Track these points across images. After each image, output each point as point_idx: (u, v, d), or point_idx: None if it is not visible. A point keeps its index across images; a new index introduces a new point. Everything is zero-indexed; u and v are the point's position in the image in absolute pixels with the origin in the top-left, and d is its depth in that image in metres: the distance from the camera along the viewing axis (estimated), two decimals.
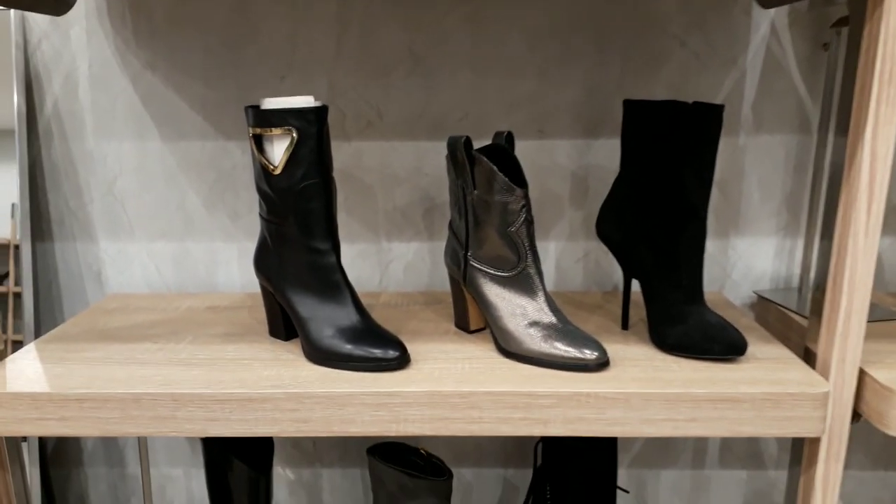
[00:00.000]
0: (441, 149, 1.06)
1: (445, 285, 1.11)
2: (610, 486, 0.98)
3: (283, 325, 0.88)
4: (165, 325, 0.95)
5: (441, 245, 1.11)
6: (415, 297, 1.07)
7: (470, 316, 0.90)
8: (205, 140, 1.07)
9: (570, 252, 1.10)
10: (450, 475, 0.92)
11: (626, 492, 1.01)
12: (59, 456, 1.23)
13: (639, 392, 0.74)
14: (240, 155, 1.08)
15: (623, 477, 1.21)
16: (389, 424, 0.75)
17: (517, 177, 0.82)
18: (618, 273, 1.11)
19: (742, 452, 1.19)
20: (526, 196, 0.81)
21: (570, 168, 1.06)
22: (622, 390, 0.74)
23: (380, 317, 0.97)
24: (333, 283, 0.83)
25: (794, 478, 0.85)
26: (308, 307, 0.83)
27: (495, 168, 0.80)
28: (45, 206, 1.11)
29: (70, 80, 1.06)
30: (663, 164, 0.80)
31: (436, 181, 1.08)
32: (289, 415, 0.75)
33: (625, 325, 0.91)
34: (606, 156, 1.06)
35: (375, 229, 1.10)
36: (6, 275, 1.12)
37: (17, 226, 1.08)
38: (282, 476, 1.22)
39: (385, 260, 1.12)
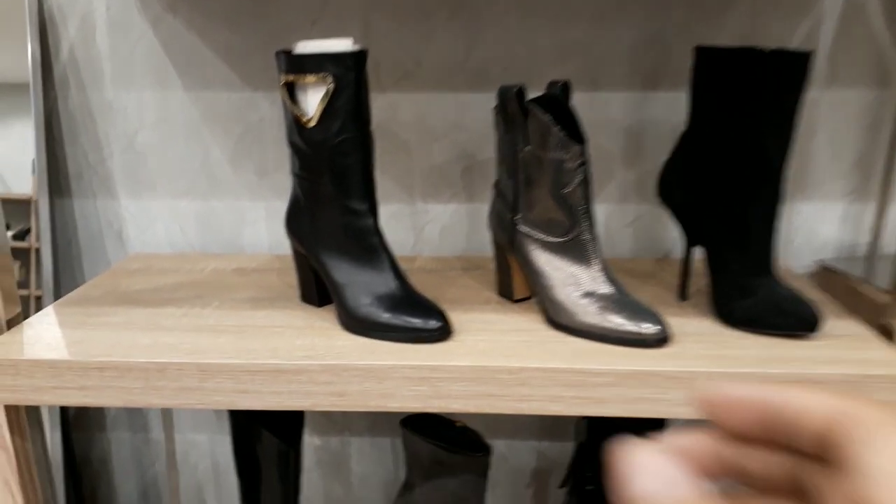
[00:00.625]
0: (483, 101, 0.98)
1: (484, 250, 1.05)
2: None
3: (317, 290, 0.82)
4: (190, 289, 0.90)
5: (480, 207, 1.04)
6: (452, 263, 1.00)
7: (515, 284, 0.84)
8: (230, 91, 1.00)
9: (619, 216, 1.02)
10: (487, 451, 0.87)
11: None
12: (81, 420, 1.19)
13: (706, 371, 0.67)
14: (267, 107, 1.01)
15: None
16: (430, 400, 0.70)
17: (574, 131, 0.74)
18: (670, 239, 1.03)
19: None
20: (584, 153, 0.74)
21: (623, 123, 0.98)
22: (687, 369, 0.67)
23: (416, 283, 0.91)
24: (371, 247, 0.77)
25: None
26: (344, 272, 0.77)
27: (551, 121, 0.73)
28: (62, 161, 1.05)
29: (86, 23, 0.99)
30: (739, 118, 0.72)
31: (476, 137, 1.00)
32: (324, 388, 0.70)
33: (683, 295, 0.84)
34: (664, 110, 0.97)
35: (410, 189, 1.04)
36: (28, 230, 1.08)
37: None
38: (308, 443, 1.18)
39: (420, 222, 1.05)
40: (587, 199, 0.75)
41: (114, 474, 1.23)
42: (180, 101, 1.01)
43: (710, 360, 0.69)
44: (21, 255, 1.08)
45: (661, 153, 0.99)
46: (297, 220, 0.81)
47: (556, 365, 0.68)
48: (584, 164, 0.74)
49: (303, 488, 1.21)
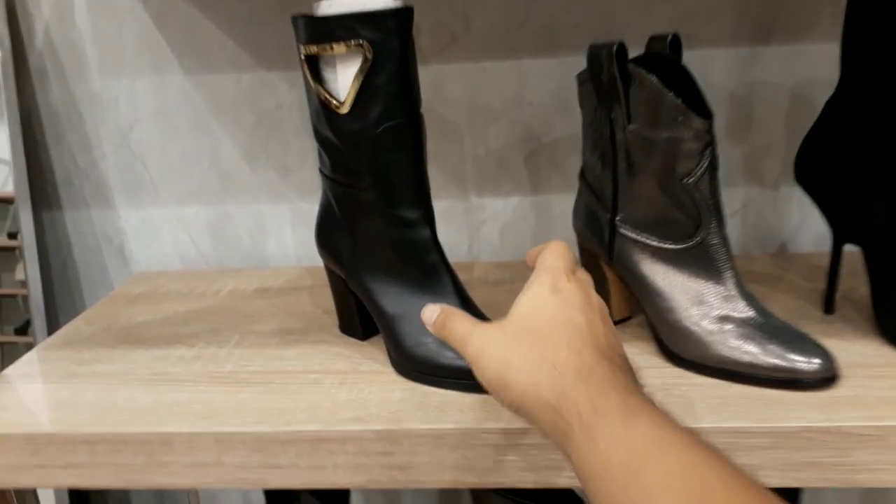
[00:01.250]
0: (550, 69, 0.80)
1: None
2: None
3: (359, 318, 0.65)
4: (203, 319, 0.73)
5: (549, 200, 0.85)
6: (517, 270, 0.82)
7: (612, 303, 0.66)
8: (240, 72, 0.83)
9: (723, 202, 0.83)
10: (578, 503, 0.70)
11: None
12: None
13: None
14: (286, 90, 0.83)
15: None
16: (523, 473, 0.52)
17: (695, 101, 0.55)
18: (787, 229, 0.84)
19: None
20: (711, 130, 0.55)
21: (727, 87, 0.79)
22: (876, 421, 0.49)
23: (476, 299, 0.73)
24: (429, 267, 0.59)
25: None
26: (395, 300, 0.59)
27: (665, 88, 0.54)
28: (47, 164, 0.88)
29: (62, 0, 0.82)
30: None
31: (542, 113, 0.82)
32: (379, 459, 0.53)
33: (828, 307, 0.66)
34: (779, 69, 0.78)
35: (462, 181, 0.85)
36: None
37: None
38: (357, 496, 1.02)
39: (475, 221, 0.87)
40: (715, 192, 0.57)
41: None
42: (181, 87, 0.84)
43: None
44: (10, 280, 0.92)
45: (774, 124, 0.80)
46: (331, 234, 0.63)
47: (690, 423, 0.50)
48: (710, 144, 0.56)
49: None
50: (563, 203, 0.85)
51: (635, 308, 0.66)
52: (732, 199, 0.83)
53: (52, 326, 0.90)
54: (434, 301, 0.50)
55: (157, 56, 0.83)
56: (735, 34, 0.77)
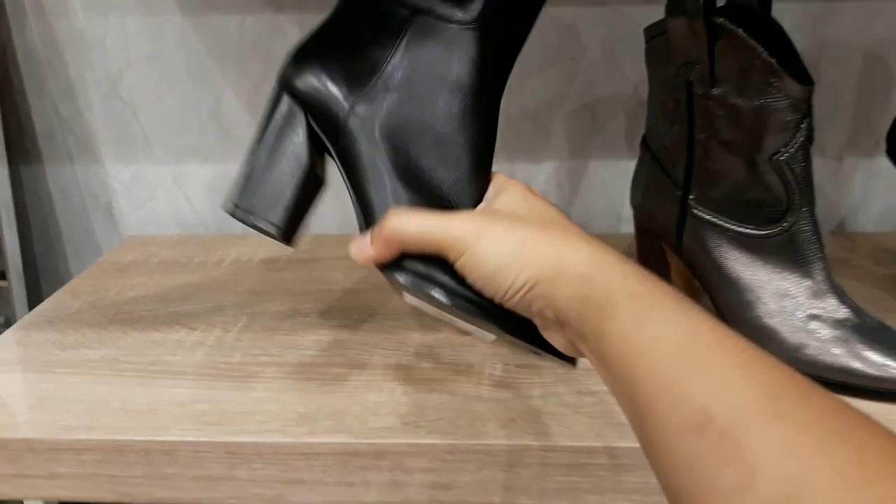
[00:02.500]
0: (597, 18, 0.70)
1: (603, 229, 0.78)
2: None
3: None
4: (205, 295, 0.65)
5: (587, 165, 0.77)
6: None
7: None
8: (245, 13, 0.73)
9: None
10: None
11: None
12: None
13: None
14: (296, 34, 0.73)
15: None
16: (586, 496, 0.45)
17: (790, 63, 0.47)
18: (848, 205, 0.77)
19: None
20: (810, 99, 0.47)
21: (797, 45, 0.70)
22: None
23: None
24: None
25: None
26: None
27: (759, 47, 0.46)
28: (25, 114, 0.78)
29: None
30: None
31: (585, 68, 0.73)
32: (419, 478, 0.45)
33: None
34: (853, 27, 0.69)
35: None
36: None
37: None
38: None
39: None
40: (808, 171, 0.49)
41: None
42: (178, 29, 0.74)
43: None
44: None
45: (844, 88, 0.72)
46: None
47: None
48: (808, 116, 0.47)
49: None
50: (603, 170, 0.76)
51: (699, 301, 0.59)
52: None
53: (33, 297, 0.81)
54: None
55: None
56: None
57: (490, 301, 0.36)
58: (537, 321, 0.37)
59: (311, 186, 0.44)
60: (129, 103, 0.78)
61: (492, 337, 0.46)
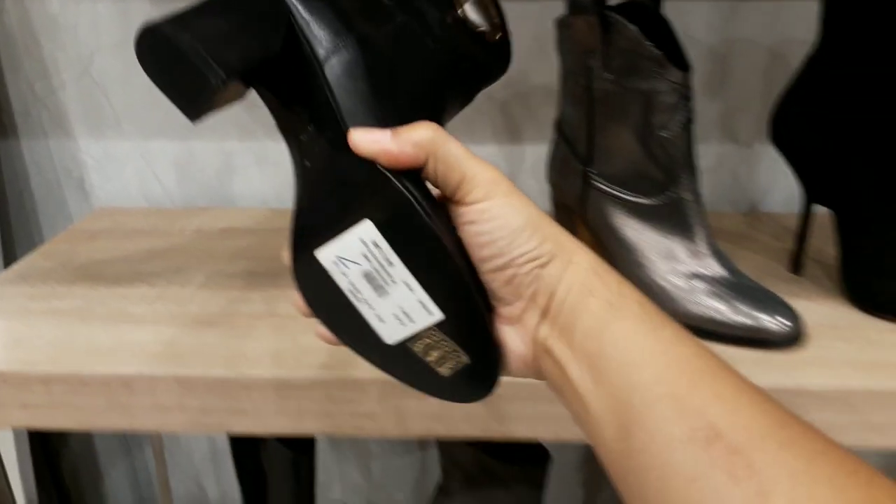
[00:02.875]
0: (525, 11, 0.77)
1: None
2: None
3: None
4: (167, 257, 0.71)
5: (525, 150, 0.84)
6: None
7: None
8: None
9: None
10: (545, 459, 0.71)
11: None
12: None
13: (863, 389, 0.50)
14: None
15: None
16: (490, 423, 0.53)
17: (674, 52, 0.54)
18: (760, 189, 0.84)
19: None
20: (688, 83, 0.54)
21: (706, 43, 0.78)
22: (839, 382, 0.50)
23: None
24: None
25: None
26: None
27: (643, 37, 0.53)
28: (3, 93, 0.84)
29: None
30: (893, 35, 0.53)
31: (519, 59, 0.80)
32: (345, 407, 0.52)
33: (796, 267, 0.66)
34: (758, 26, 0.77)
35: None
36: None
37: None
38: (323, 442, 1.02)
39: None
40: (690, 147, 0.56)
41: (98, 456, 1.07)
42: (145, 14, 0.80)
43: (865, 369, 0.51)
44: None
45: (752, 81, 0.79)
46: None
47: None
48: (687, 97, 0.55)
49: (318, 474, 1.05)
50: (536, 153, 0.84)
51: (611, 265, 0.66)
52: (706, 155, 0.83)
53: (9, 261, 0.87)
54: None
55: None
56: None
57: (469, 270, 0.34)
58: (507, 310, 0.35)
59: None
60: (100, 84, 0.84)
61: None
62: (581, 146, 0.61)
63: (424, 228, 0.34)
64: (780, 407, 0.29)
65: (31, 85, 0.84)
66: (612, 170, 0.59)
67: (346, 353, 0.53)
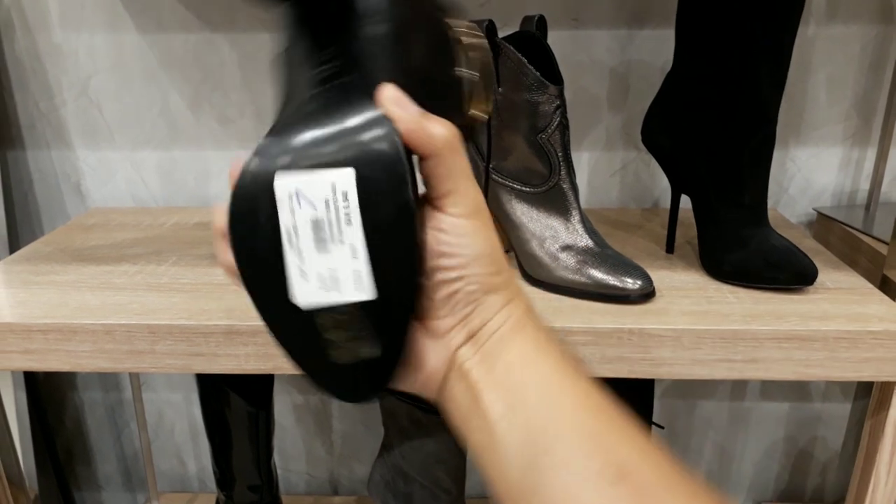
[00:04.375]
0: None
1: None
2: (644, 423, 0.89)
3: None
4: (148, 244, 0.85)
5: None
6: None
7: None
8: (188, 32, 0.93)
9: (605, 163, 0.97)
10: None
11: (662, 428, 0.92)
12: (50, 380, 1.15)
13: (691, 329, 0.63)
14: (227, 50, 0.94)
15: (654, 409, 1.12)
16: None
17: (550, 71, 0.68)
18: (660, 188, 0.98)
19: (785, 382, 1.09)
20: (561, 95, 0.68)
21: (608, 64, 0.92)
22: (671, 326, 0.63)
23: None
24: None
25: (856, 414, 0.75)
26: None
27: (524, 60, 0.67)
28: (12, 109, 0.98)
29: None
30: (729, 54, 0.66)
31: None
32: None
33: (670, 248, 0.79)
34: (652, 50, 0.91)
35: None
36: None
37: None
38: (288, 400, 1.15)
39: None
40: (565, 145, 0.70)
41: (89, 436, 1.19)
42: (135, 44, 0.94)
43: (697, 317, 0.64)
44: None
45: (648, 96, 0.93)
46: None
47: None
48: (561, 106, 0.68)
49: (284, 447, 1.18)
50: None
51: (510, 243, 0.79)
52: (613, 160, 0.96)
53: (13, 250, 1.00)
54: None
55: (115, 15, 0.93)
56: (615, 18, 0.90)
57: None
58: (435, 323, 0.35)
59: None
60: (95, 102, 0.98)
61: None
62: (482, 147, 0.74)
63: (405, 207, 0.32)
64: (665, 449, 0.31)
65: (37, 103, 0.98)
66: (507, 165, 0.72)
67: None
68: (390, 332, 0.34)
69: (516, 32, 0.71)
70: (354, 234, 0.32)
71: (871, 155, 0.94)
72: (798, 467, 1.14)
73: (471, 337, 0.34)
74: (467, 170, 0.35)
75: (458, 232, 0.34)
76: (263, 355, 0.65)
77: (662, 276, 0.72)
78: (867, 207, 0.93)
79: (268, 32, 0.92)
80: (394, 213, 0.32)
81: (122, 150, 1.00)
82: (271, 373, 0.67)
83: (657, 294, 0.68)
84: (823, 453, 1.12)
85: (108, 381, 1.15)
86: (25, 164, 1.01)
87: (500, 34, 0.69)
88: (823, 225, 0.93)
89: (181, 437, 1.18)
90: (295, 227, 0.33)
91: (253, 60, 0.94)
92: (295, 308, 0.34)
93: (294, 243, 0.33)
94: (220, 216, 0.34)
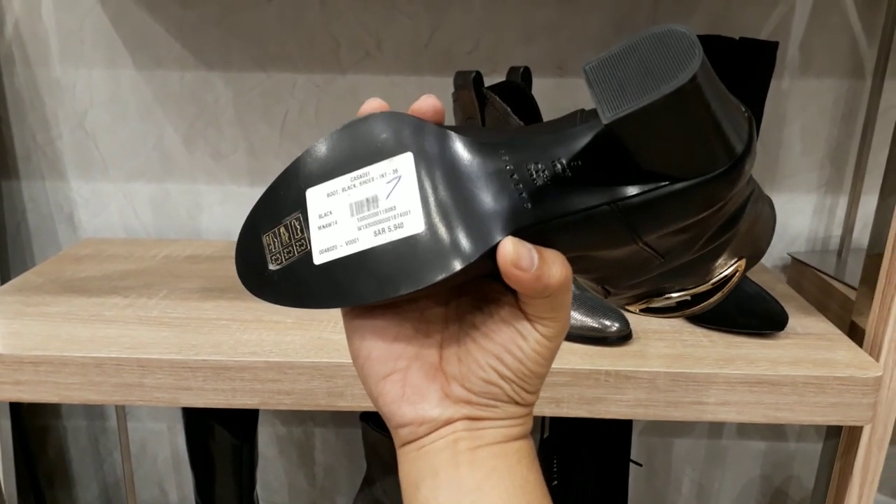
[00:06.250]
0: (449, 85, 0.95)
1: None
2: (622, 460, 0.91)
3: None
4: (139, 277, 0.86)
5: None
6: None
7: None
8: (183, 69, 0.96)
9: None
10: None
11: (640, 465, 0.94)
12: (34, 408, 1.16)
13: (665, 371, 0.65)
14: (222, 87, 0.97)
15: (633, 446, 1.14)
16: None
17: (534, 121, 0.71)
18: None
19: (761, 423, 1.12)
20: None
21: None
22: (647, 369, 0.65)
23: None
24: None
25: (827, 455, 0.77)
26: None
27: (509, 110, 0.70)
28: (9, 140, 1.00)
29: None
30: None
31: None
32: (270, 386, 0.67)
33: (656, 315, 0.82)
34: None
35: None
36: None
37: None
38: (271, 432, 1.15)
39: None
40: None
41: (72, 463, 1.19)
42: (132, 79, 0.97)
43: (671, 360, 0.67)
44: None
45: None
46: None
47: None
48: None
49: (267, 479, 1.18)
50: None
51: None
52: None
53: (5, 281, 1.02)
54: None
55: (113, 52, 0.96)
56: None
57: None
58: (455, 385, 0.36)
59: None
60: (91, 135, 1.00)
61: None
62: None
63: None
64: None
65: (34, 135, 1.00)
66: None
67: (272, 345, 0.68)
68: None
69: (502, 82, 0.74)
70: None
71: (843, 202, 0.98)
72: None
73: (470, 420, 0.36)
74: (568, 302, 0.34)
75: (535, 349, 0.34)
76: (251, 391, 0.67)
77: (640, 320, 0.75)
78: (839, 253, 0.96)
79: (262, 72, 0.95)
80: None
81: (115, 182, 1.02)
82: (258, 407, 0.68)
83: (634, 336, 0.70)
84: (798, 492, 1.14)
85: (93, 409, 1.16)
86: (20, 194, 1.03)
87: (487, 82, 0.72)
88: (797, 270, 0.96)
89: (164, 467, 1.18)
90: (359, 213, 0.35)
91: (246, 98, 0.97)
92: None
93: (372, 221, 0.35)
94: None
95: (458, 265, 0.32)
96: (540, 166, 0.32)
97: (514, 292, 0.34)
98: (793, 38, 0.91)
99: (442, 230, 0.33)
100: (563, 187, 0.31)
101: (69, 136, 1.00)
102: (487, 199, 0.32)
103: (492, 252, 0.32)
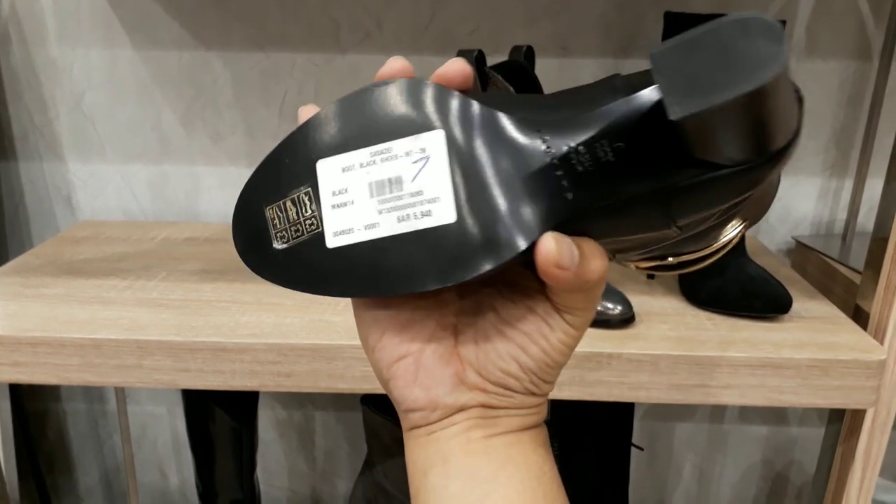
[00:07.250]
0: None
1: None
2: (624, 444, 0.90)
3: None
4: (137, 259, 0.86)
5: None
6: None
7: None
8: (181, 50, 0.95)
9: None
10: None
11: (641, 449, 0.93)
12: (34, 390, 1.15)
13: (668, 354, 0.65)
14: (221, 67, 0.96)
15: (635, 430, 1.14)
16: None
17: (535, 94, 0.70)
18: None
19: (763, 407, 1.11)
20: None
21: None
22: (649, 351, 0.65)
23: None
24: None
25: (829, 439, 0.77)
26: None
27: (512, 89, 0.68)
28: (6, 121, 0.99)
29: None
30: None
31: None
32: (269, 368, 0.66)
33: (650, 274, 0.81)
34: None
35: None
36: None
37: None
38: (271, 416, 1.15)
39: None
40: None
41: (72, 447, 1.19)
42: (129, 60, 0.96)
43: (674, 343, 0.66)
44: None
45: None
46: None
47: None
48: None
49: (267, 462, 1.18)
50: None
51: None
52: None
53: (3, 263, 1.01)
54: None
55: (110, 31, 0.94)
56: (602, 48, 0.92)
57: None
58: (470, 372, 0.34)
59: None
60: (88, 116, 0.99)
61: None
62: None
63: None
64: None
65: (31, 115, 0.99)
66: None
67: (272, 327, 0.67)
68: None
69: (505, 62, 0.73)
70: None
71: (848, 186, 0.97)
72: (775, 490, 1.16)
73: (485, 407, 0.34)
74: (598, 298, 0.34)
75: (562, 339, 0.33)
76: (250, 373, 0.66)
77: (642, 302, 0.74)
78: (844, 237, 0.95)
79: (261, 52, 0.94)
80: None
81: (113, 164, 1.01)
82: (257, 389, 0.68)
83: (637, 319, 0.70)
84: (799, 477, 1.14)
85: (92, 392, 1.15)
86: (17, 175, 1.02)
87: (490, 62, 0.71)
88: (801, 253, 0.95)
89: (164, 450, 1.18)
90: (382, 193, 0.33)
91: (245, 79, 0.95)
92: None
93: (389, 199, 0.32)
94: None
95: (492, 264, 0.30)
96: (581, 149, 0.29)
97: (542, 281, 0.31)
98: (799, 19, 0.90)
99: (476, 223, 0.30)
100: (606, 173, 0.29)
101: (66, 117, 0.99)
102: (525, 188, 0.30)
103: (529, 248, 0.30)
